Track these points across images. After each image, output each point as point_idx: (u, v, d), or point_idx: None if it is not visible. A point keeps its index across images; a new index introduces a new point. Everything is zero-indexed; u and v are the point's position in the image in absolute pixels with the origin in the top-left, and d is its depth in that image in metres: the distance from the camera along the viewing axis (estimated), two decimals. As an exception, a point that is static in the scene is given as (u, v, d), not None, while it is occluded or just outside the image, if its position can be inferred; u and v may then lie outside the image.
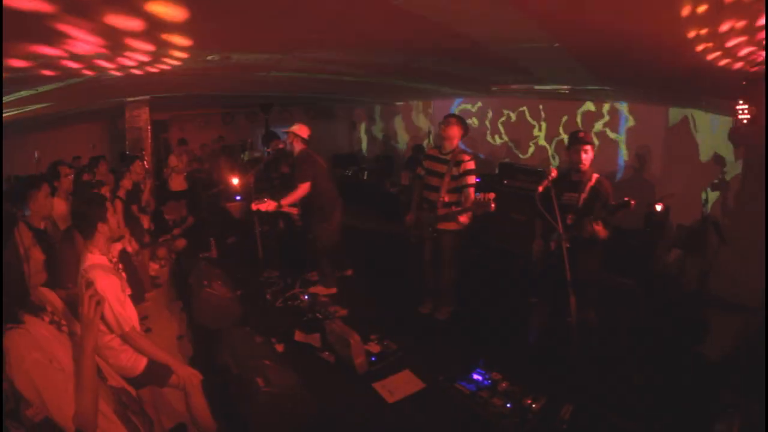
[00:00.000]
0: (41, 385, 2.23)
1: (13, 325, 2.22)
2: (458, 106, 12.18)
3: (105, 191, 5.71)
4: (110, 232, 3.58)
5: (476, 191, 5.56)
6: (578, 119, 9.50)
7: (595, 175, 4.97)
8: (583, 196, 4.90)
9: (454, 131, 5.81)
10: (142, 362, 3.72)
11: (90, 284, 2.60)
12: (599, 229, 4.56)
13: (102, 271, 3.38)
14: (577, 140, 5.06)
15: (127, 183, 7.05)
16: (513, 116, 10.86)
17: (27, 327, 2.27)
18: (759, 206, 6.02)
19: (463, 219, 5.41)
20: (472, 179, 5.65)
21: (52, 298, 2.59)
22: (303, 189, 6.42)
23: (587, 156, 5.00)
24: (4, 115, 7.14)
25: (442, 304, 6.16)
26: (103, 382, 2.70)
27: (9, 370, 2.19)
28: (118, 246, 5.44)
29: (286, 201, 6.42)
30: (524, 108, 10.56)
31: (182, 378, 3.85)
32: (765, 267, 5.02)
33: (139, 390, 3.57)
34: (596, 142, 9.07)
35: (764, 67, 4.12)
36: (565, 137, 9.76)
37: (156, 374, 3.80)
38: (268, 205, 6.27)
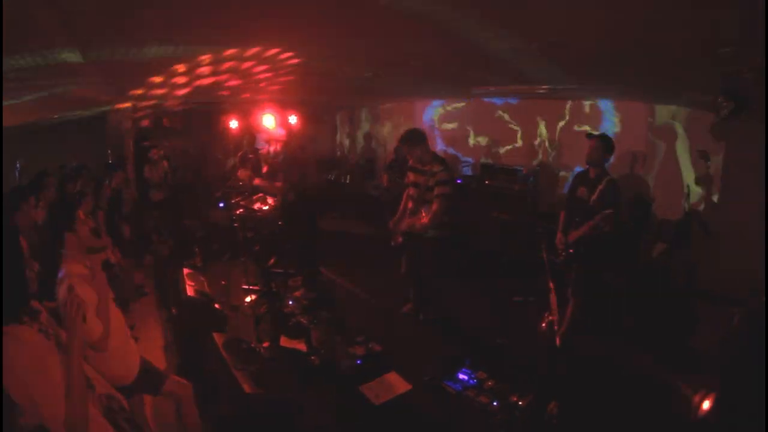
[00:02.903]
0: (34, 390, 2.25)
1: (3, 332, 2.24)
2: (438, 106, 12.22)
3: (87, 201, 5.68)
4: (79, 242, 3.55)
5: (454, 193, 5.69)
6: (561, 118, 9.55)
7: (608, 177, 5.18)
8: (594, 197, 5.06)
9: (416, 145, 5.85)
10: (135, 369, 3.71)
11: (72, 289, 2.61)
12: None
13: (77, 279, 3.36)
14: (589, 137, 5.51)
15: (108, 192, 7.01)
16: (493, 116, 10.90)
17: (18, 334, 2.29)
18: (742, 199, 6.11)
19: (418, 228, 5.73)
20: (444, 189, 5.71)
21: (38, 306, 2.60)
22: (277, 186, 6.46)
23: (588, 152, 5.37)
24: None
25: (425, 306, 6.18)
26: (92, 389, 2.71)
27: (2, 377, 2.20)
28: (102, 256, 5.42)
29: (258, 182, 6.51)
30: (504, 108, 10.60)
31: (174, 387, 3.85)
32: (765, 260, 5.08)
33: (130, 399, 3.57)
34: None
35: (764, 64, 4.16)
36: (545, 137, 9.84)
37: (149, 382, 3.79)
38: (241, 175, 6.34)
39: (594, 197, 5.14)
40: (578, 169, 6.17)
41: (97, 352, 3.22)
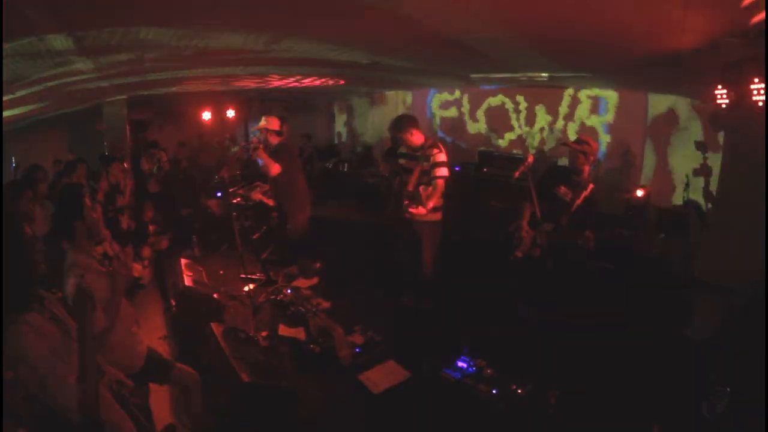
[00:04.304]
0: (46, 375, 2.29)
1: (18, 320, 2.28)
2: (436, 94, 12.21)
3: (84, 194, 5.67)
4: (89, 231, 3.55)
5: (454, 179, 5.68)
6: (559, 107, 9.55)
7: (591, 186, 5.08)
8: (578, 202, 5.01)
9: (408, 130, 5.86)
10: (140, 359, 3.71)
11: (82, 279, 2.62)
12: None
13: (85, 270, 3.35)
14: (571, 143, 5.39)
15: (104, 185, 7.00)
16: (491, 104, 10.89)
17: (31, 321, 2.32)
18: (740, 190, 6.11)
19: (421, 210, 5.66)
20: (441, 171, 5.70)
21: (47, 295, 2.61)
22: (274, 168, 6.44)
23: (579, 160, 5.18)
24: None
25: (423, 294, 6.18)
26: (102, 375, 2.73)
27: (15, 362, 2.25)
28: (99, 249, 5.41)
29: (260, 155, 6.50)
30: (502, 96, 10.59)
31: (182, 375, 3.86)
32: (765, 250, 5.07)
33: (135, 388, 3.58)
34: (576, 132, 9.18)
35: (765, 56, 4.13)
36: (544, 125, 9.84)
37: (156, 371, 3.79)
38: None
39: (578, 202, 5.09)
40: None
41: (98, 344, 3.23)
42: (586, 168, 5.20)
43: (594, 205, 5.08)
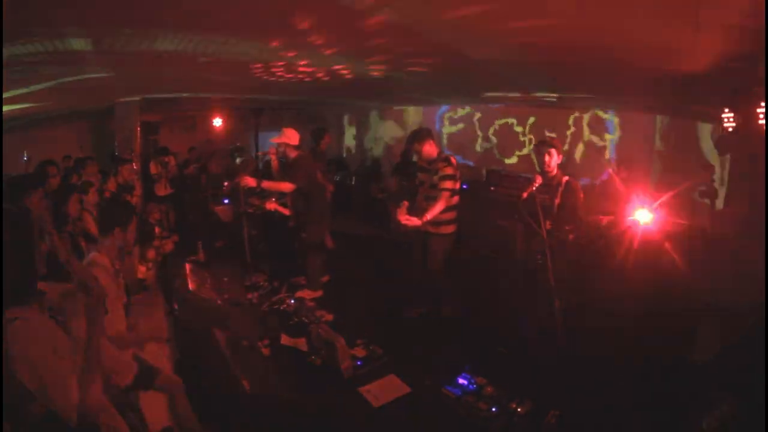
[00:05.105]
0: (46, 374, 2.25)
1: (17, 317, 2.26)
2: (446, 111, 12.24)
3: (92, 192, 5.68)
4: (123, 242, 3.61)
5: (458, 189, 5.77)
6: (567, 127, 9.56)
7: (565, 178, 5.30)
8: (557, 201, 5.08)
9: (424, 142, 6.00)
10: (135, 365, 3.72)
11: (96, 278, 2.63)
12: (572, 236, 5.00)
13: (102, 271, 3.38)
14: (541, 144, 5.57)
15: (112, 185, 7.03)
16: (500, 123, 10.91)
17: (30, 318, 2.30)
18: (745, 212, 6.10)
19: (415, 221, 5.67)
20: (447, 184, 5.81)
21: (50, 292, 2.61)
22: (287, 186, 6.44)
23: (550, 158, 5.37)
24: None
25: (427, 309, 6.21)
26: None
27: (14, 361, 2.21)
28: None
29: (267, 184, 6.52)
30: (512, 115, 10.61)
31: (166, 382, 3.87)
32: (765, 271, 5.06)
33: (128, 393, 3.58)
34: (579, 147, 9.19)
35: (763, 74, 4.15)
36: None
37: (141, 377, 3.80)
38: (248, 181, 6.36)
39: (558, 201, 5.23)
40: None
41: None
42: (554, 165, 5.39)
43: (572, 196, 5.24)
